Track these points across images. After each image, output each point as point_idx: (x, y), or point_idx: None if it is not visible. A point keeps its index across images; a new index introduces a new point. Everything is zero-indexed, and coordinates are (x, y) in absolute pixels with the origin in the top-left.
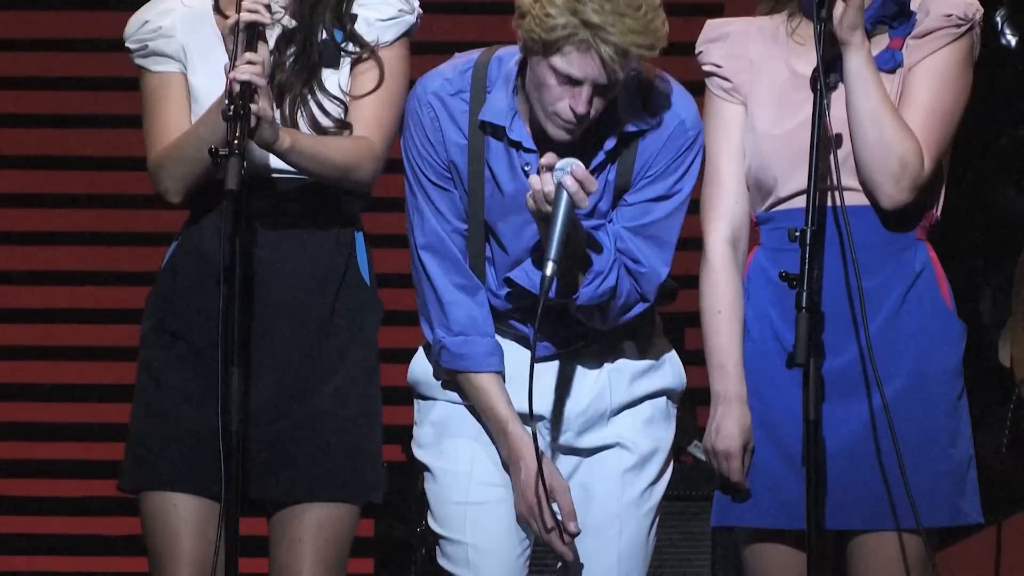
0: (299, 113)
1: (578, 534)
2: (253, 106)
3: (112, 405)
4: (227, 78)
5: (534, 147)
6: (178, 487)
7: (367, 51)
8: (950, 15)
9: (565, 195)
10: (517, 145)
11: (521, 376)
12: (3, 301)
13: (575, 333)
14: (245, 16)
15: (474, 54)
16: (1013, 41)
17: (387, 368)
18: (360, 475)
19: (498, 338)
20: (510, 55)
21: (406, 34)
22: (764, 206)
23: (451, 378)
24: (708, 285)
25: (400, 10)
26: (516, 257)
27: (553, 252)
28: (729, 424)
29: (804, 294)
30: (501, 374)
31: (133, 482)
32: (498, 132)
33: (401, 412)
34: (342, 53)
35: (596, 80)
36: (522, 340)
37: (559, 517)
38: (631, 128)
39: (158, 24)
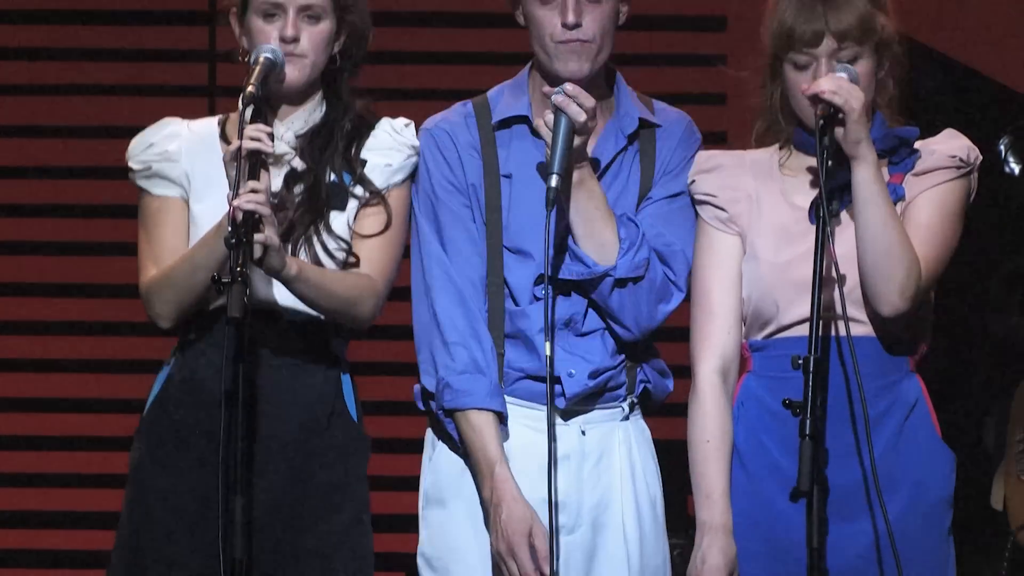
0: (302, 252)
1: None
2: (259, 236)
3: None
4: (229, 206)
5: None
6: None
7: (376, 197)
8: (954, 156)
9: (562, 115)
10: (538, 134)
11: (530, 465)
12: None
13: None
14: (248, 144)
15: None
16: (1016, 169)
17: (396, 496)
18: None
19: (510, 423)
20: (508, 81)
21: (411, 176)
22: (762, 334)
23: (458, 444)
24: (698, 415)
25: (408, 156)
26: (542, 266)
27: (556, 166)
28: (714, 554)
29: (808, 421)
30: (500, 416)
31: None
32: (515, 130)
33: (403, 540)
34: (350, 196)
35: None
36: (534, 418)
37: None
38: (646, 116)
39: (164, 148)
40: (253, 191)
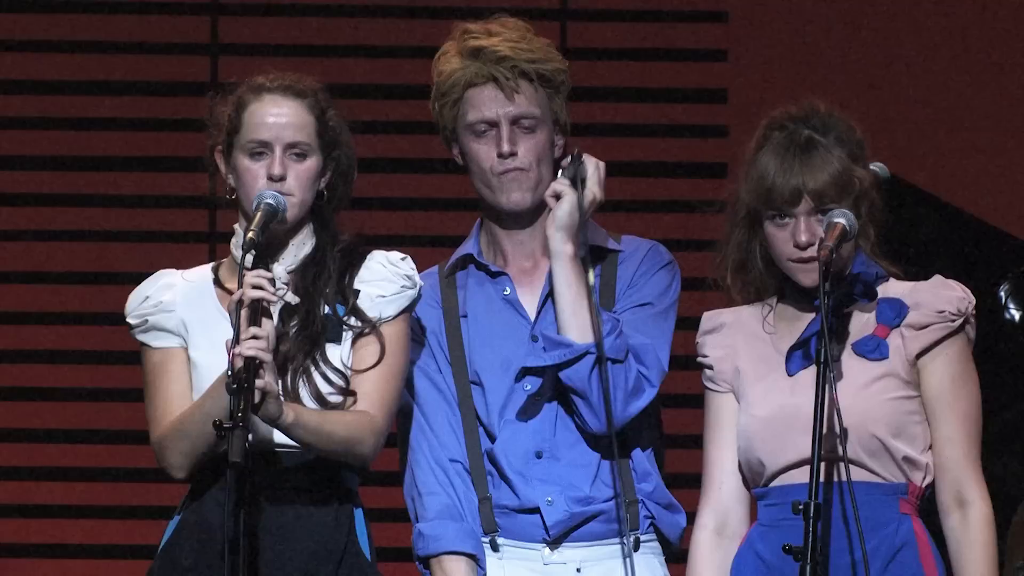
0: (301, 383)
1: None
2: (259, 381)
3: None
4: (230, 352)
5: (502, 270)
6: None
7: (368, 326)
8: (942, 311)
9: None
10: (486, 269)
11: None
12: None
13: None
14: (250, 293)
15: None
16: (1017, 315)
17: None
18: None
19: (509, 565)
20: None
21: (407, 309)
22: (759, 484)
23: None
24: (688, 570)
25: (402, 286)
26: (508, 390)
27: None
28: None
29: (808, 568)
30: (474, 559)
31: None
32: (469, 270)
33: None
34: (344, 327)
35: (508, 112)
36: (531, 558)
37: None
38: (602, 243)
39: (159, 299)
40: (255, 337)
